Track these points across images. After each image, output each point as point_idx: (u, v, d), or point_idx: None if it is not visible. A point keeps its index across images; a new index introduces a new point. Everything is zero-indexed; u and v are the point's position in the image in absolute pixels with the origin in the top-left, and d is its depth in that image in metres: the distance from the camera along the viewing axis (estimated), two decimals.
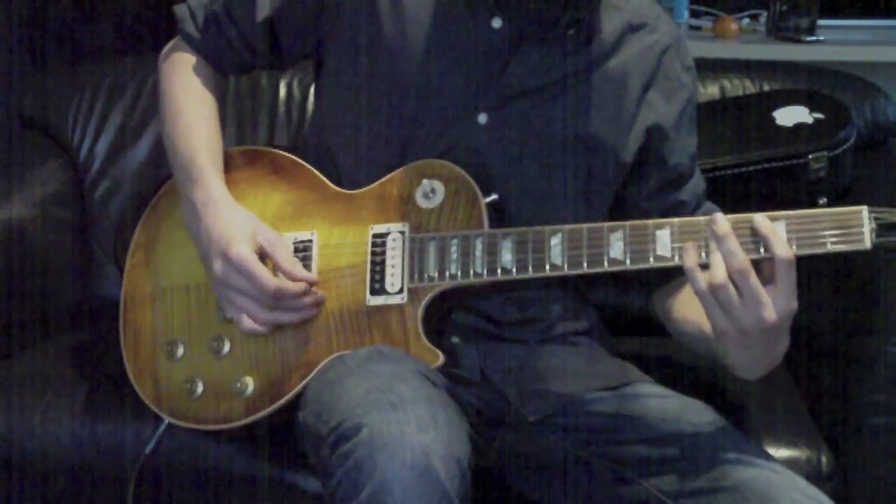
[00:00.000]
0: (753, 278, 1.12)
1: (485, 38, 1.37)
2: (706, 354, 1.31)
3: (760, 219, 1.14)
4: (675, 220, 1.21)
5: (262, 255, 1.31)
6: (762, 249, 1.13)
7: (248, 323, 1.31)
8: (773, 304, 1.12)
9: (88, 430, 1.52)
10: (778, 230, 1.13)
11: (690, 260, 1.15)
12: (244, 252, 1.28)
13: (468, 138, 1.37)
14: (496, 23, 1.37)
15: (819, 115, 1.81)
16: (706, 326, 1.20)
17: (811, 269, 1.64)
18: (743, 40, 2.75)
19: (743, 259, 1.12)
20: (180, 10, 1.50)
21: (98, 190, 2.00)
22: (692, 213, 1.45)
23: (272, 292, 1.28)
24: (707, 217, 1.17)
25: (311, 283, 1.32)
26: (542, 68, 1.37)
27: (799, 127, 1.80)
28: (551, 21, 1.35)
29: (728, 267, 1.12)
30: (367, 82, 1.40)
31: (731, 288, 1.12)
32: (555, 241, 1.25)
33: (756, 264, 1.13)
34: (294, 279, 1.31)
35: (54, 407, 1.55)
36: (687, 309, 1.36)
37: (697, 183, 1.48)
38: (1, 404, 1.56)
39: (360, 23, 1.40)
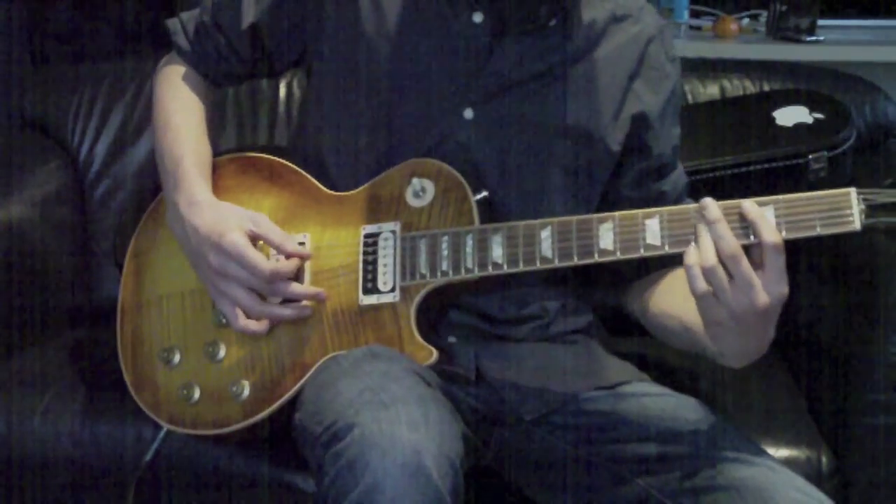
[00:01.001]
0: (745, 263, 1.11)
1: (466, 34, 1.37)
2: (687, 348, 1.31)
3: (749, 204, 1.14)
4: (664, 208, 1.20)
5: (254, 242, 1.32)
6: (752, 235, 1.13)
7: (242, 321, 1.32)
8: (764, 288, 1.12)
9: (88, 430, 1.53)
10: (766, 215, 1.13)
11: (691, 258, 1.14)
12: (238, 239, 1.29)
13: (455, 134, 1.37)
14: (477, 17, 1.37)
15: (819, 115, 1.80)
16: (687, 318, 1.20)
17: (812, 270, 1.64)
18: (743, 40, 2.75)
19: (734, 244, 1.11)
20: (172, 23, 1.52)
21: (98, 190, 2.00)
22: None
23: (269, 275, 1.29)
24: (696, 205, 1.16)
25: (304, 258, 1.34)
26: (525, 61, 1.37)
27: (799, 127, 1.79)
28: (532, 13, 1.36)
29: (719, 252, 1.12)
30: (351, 83, 1.41)
31: (721, 270, 1.12)
32: (545, 234, 1.25)
33: (746, 250, 1.12)
34: (286, 254, 1.32)
35: (54, 407, 1.55)
36: (665, 303, 1.35)
37: (680, 176, 1.48)
38: (1, 404, 1.56)
39: (343, 25, 1.40)
